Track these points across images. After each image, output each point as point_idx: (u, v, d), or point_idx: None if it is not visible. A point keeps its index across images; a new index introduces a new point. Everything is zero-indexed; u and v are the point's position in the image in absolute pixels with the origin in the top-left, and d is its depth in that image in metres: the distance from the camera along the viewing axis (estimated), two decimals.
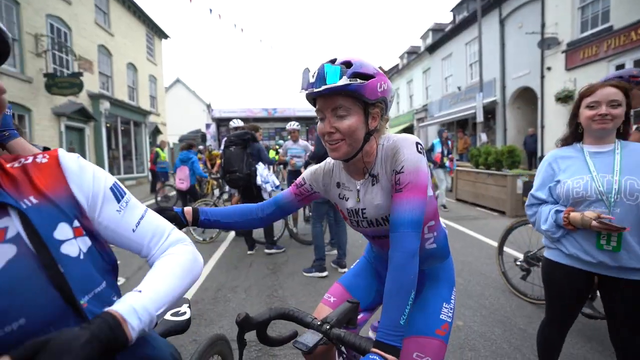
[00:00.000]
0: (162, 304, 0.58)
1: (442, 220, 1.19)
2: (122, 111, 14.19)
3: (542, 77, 11.00)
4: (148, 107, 16.96)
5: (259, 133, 4.74)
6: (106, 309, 0.51)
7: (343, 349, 0.91)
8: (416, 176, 0.91)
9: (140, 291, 0.57)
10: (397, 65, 24.00)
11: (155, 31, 18.05)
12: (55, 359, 0.43)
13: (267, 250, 4.30)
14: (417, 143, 0.95)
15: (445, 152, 6.85)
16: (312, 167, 1.19)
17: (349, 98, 0.91)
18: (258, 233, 4.67)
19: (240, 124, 5.89)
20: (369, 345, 0.79)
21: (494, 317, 2.61)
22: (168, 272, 0.63)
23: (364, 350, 0.78)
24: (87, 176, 0.59)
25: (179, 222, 1.04)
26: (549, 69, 10.77)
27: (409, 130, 21.61)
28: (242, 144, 4.20)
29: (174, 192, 8.31)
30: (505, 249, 3.16)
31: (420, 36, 21.09)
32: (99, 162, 12.03)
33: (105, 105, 12.45)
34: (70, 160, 0.59)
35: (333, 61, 0.92)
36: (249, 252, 4.37)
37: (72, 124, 11.15)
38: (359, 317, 0.93)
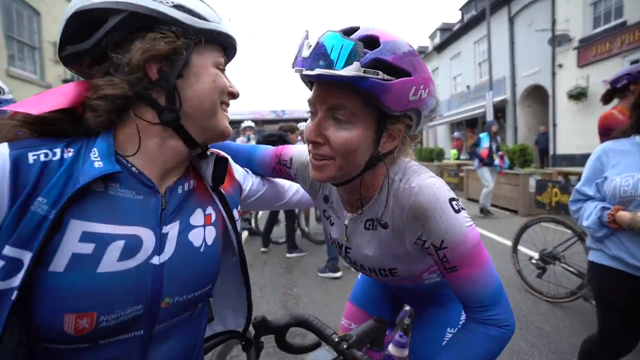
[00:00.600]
0: None
1: None
2: None
3: (554, 74, 10.87)
4: None
5: (295, 134, 4.43)
6: None
7: None
8: (466, 244, 0.66)
9: None
10: None
11: None
12: None
13: (288, 255, 4.24)
14: (451, 200, 0.66)
15: (494, 147, 5.94)
16: (307, 158, 0.87)
17: (358, 98, 0.59)
18: (273, 233, 4.71)
19: (251, 124, 6.21)
20: None
21: None
22: None
23: None
24: (237, 167, 0.83)
25: None
26: (560, 66, 10.64)
27: None
28: None
29: None
30: (520, 247, 3.15)
31: (428, 36, 21.05)
32: None
33: None
34: (230, 160, 0.78)
35: (349, 32, 0.59)
36: (262, 250, 4.41)
37: None
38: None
